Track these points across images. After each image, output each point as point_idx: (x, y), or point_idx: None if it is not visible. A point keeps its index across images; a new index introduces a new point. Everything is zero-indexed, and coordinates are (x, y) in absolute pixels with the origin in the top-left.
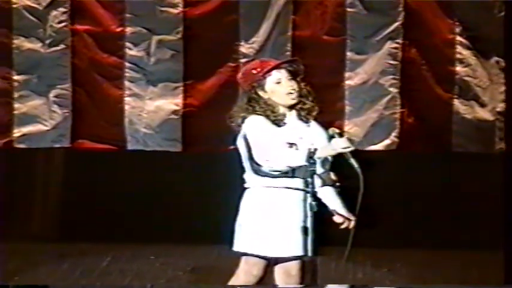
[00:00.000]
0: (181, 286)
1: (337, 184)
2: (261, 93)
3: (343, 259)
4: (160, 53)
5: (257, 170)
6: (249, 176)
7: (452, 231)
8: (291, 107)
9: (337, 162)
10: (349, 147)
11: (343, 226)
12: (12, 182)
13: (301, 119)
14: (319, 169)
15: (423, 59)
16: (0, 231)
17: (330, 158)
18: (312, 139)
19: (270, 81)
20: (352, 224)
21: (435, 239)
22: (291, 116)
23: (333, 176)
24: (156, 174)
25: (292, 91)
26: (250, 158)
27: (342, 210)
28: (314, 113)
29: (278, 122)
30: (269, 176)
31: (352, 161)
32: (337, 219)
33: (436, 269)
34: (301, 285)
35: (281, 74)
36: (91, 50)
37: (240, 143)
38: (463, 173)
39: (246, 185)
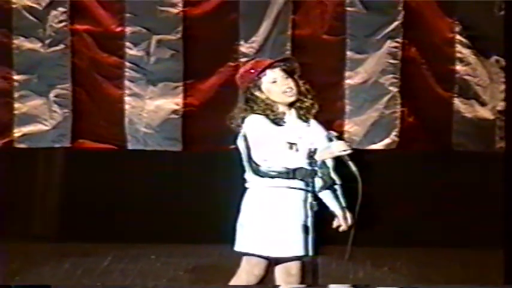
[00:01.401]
0: (183, 287)
1: (337, 186)
2: (257, 93)
3: (345, 258)
4: (160, 52)
5: (256, 170)
6: (249, 176)
7: (452, 229)
8: (290, 106)
9: (338, 163)
10: (347, 150)
11: (341, 229)
12: (13, 182)
13: (300, 118)
14: (318, 172)
15: (423, 58)
16: (2, 231)
17: (329, 161)
18: (312, 139)
19: (266, 81)
20: (349, 225)
21: (436, 237)
22: (291, 115)
23: (333, 177)
24: (156, 173)
25: (289, 89)
26: (250, 157)
27: (340, 212)
28: (313, 111)
29: (278, 121)
30: (268, 176)
31: (350, 164)
32: (335, 223)
33: (437, 268)
34: (303, 286)
35: (275, 74)
36: (91, 50)
37: (240, 143)
38: (464, 171)
39: (247, 185)
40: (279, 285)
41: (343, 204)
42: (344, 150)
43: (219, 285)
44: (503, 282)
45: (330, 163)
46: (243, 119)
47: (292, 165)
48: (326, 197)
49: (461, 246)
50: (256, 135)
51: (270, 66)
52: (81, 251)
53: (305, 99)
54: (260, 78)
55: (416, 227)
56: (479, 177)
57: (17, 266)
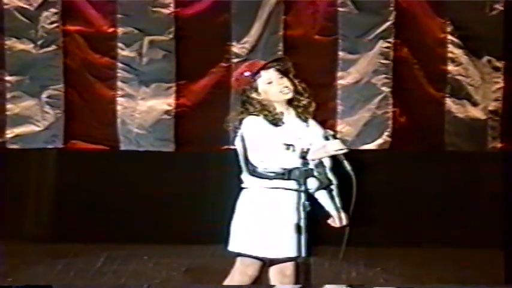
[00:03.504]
0: (178, 286)
1: (334, 186)
2: (254, 95)
3: (339, 259)
4: (153, 53)
5: (253, 171)
6: (245, 177)
7: (446, 230)
8: (288, 104)
9: (333, 163)
10: (342, 149)
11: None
12: (6, 183)
13: (299, 117)
14: (314, 171)
15: (415, 58)
16: None
17: (326, 161)
18: (310, 139)
19: (261, 82)
20: (343, 225)
21: (428, 237)
22: (290, 115)
23: (330, 177)
24: (149, 174)
25: (285, 89)
26: (246, 158)
27: (335, 213)
28: (311, 110)
29: (276, 121)
30: (265, 177)
31: (345, 164)
32: (330, 222)
33: (430, 268)
34: (298, 286)
35: (270, 74)
36: (83, 51)
37: (238, 144)
38: (457, 171)
39: (243, 185)
40: (273, 286)
41: (339, 204)
42: (340, 149)
43: (214, 286)
44: (500, 281)
45: (326, 163)
46: (241, 120)
47: (289, 166)
48: (322, 197)
49: (454, 247)
50: (252, 136)
51: (264, 67)
52: (74, 252)
53: (302, 98)
54: (255, 80)
55: (410, 227)
56: (473, 177)
57: (10, 267)
